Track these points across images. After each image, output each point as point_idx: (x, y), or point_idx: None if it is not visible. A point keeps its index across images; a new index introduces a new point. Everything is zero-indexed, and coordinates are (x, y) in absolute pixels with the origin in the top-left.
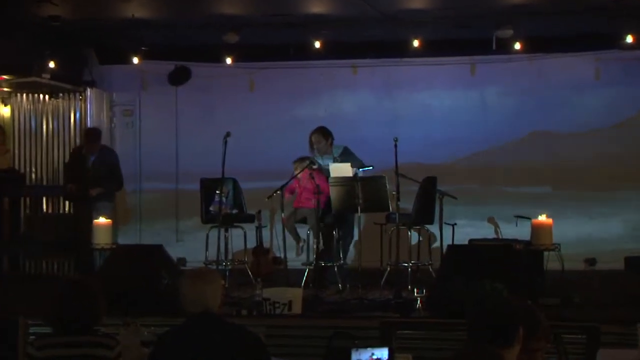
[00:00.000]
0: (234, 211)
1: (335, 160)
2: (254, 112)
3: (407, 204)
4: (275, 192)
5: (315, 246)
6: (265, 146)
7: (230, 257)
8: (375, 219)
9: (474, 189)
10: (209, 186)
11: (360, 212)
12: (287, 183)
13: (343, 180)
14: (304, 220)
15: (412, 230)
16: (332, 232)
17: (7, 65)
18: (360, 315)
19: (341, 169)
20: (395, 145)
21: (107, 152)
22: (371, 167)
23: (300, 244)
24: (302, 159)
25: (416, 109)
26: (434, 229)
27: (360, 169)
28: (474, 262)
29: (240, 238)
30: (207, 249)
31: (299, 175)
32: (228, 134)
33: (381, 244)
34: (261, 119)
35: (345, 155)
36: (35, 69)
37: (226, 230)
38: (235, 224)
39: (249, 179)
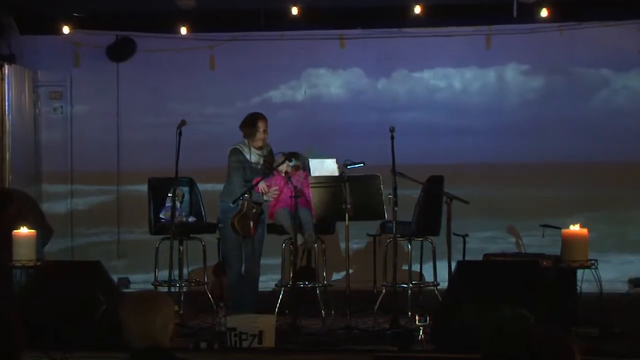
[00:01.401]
0: (191, 219)
1: (263, 159)
2: (216, 95)
3: (407, 211)
4: (243, 195)
5: (292, 262)
6: (229, 138)
7: (185, 276)
8: (368, 228)
9: (489, 192)
10: (158, 188)
11: (349, 220)
12: (256, 183)
13: (327, 181)
14: (278, 230)
15: (413, 243)
16: (314, 246)
17: None
18: (349, 349)
19: (324, 166)
20: (392, 137)
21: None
22: (362, 164)
23: (299, 240)
24: (295, 155)
25: (418, 91)
26: (440, 241)
27: (349, 166)
28: (490, 282)
29: (199, 253)
30: (156, 267)
31: (276, 175)
32: (183, 123)
33: (374, 259)
34: (224, 104)
35: (271, 156)
36: None
37: (180, 243)
38: (192, 235)
39: (209, 179)
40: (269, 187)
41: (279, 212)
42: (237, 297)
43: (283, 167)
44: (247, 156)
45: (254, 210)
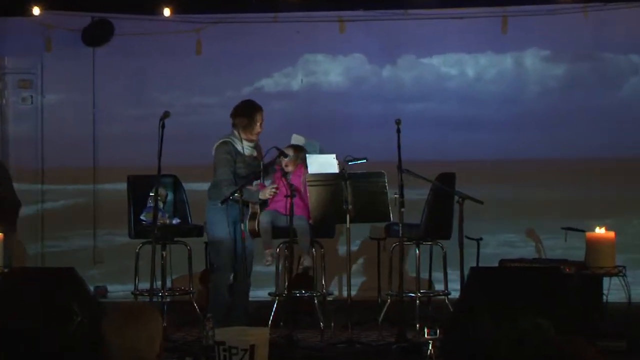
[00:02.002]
0: (175, 221)
1: (250, 153)
2: (203, 84)
3: (415, 212)
4: (233, 194)
5: (286, 269)
6: (217, 131)
7: (169, 285)
8: (371, 231)
9: (506, 191)
10: (139, 186)
11: (350, 222)
12: (249, 180)
13: (325, 178)
14: (272, 233)
15: (421, 247)
16: (312, 252)
17: None
18: None
19: (322, 162)
20: (398, 130)
21: None
22: (365, 160)
23: (270, 252)
24: (296, 148)
25: (426, 79)
26: (451, 245)
27: (350, 162)
28: (507, 291)
29: (184, 258)
30: (136, 274)
31: (273, 175)
32: (166, 114)
33: (378, 266)
34: (212, 93)
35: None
36: None
37: (164, 248)
38: (176, 239)
39: (195, 176)
40: (276, 189)
41: (263, 215)
42: (222, 306)
43: (286, 163)
44: (240, 149)
45: (257, 209)
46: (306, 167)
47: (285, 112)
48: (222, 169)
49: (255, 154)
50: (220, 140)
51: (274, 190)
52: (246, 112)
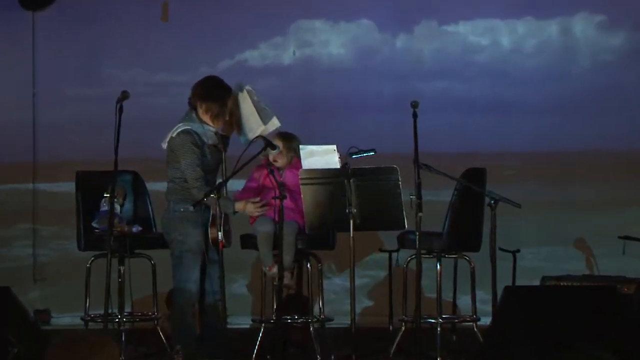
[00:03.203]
0: (135, 229)
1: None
2: (170, 57)
3: (436, 217)
4: (208, 195)
5: (274, 289)
6: None
7: (129, 308)
8: (381, 241)
9: (549, 192)
10: (90, 185)
11: (355, 230)
12: (229, 177)
13: (324, 175)
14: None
15: (444, 262)
16: (306, 266)
17: None
18: None
19: (320, 155)
20: (415, 115)
21: None
22: (373, 153)
23: (272, 271)
24: (286, 137)
25: (450, 51)
26: (481, 259)
27: (354, 156)
28: (551, 315)
29: (146, 275)
30: (87, 295)
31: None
32: (124, 95)
33: (390, 285)
34: (183, 69)
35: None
36: None
37: (121, 262)
38: (137, 252)
39: (161, 173)
40: (265, 205)
41: (261, 222)
42: (191, 336)
43: (271, 156)
44: (205, 138)
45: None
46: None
47: (274, 93)
48: (190, 165)
49: (217, 142)
50: (180, 129)
51: (259, 208)
52: (219, 96)
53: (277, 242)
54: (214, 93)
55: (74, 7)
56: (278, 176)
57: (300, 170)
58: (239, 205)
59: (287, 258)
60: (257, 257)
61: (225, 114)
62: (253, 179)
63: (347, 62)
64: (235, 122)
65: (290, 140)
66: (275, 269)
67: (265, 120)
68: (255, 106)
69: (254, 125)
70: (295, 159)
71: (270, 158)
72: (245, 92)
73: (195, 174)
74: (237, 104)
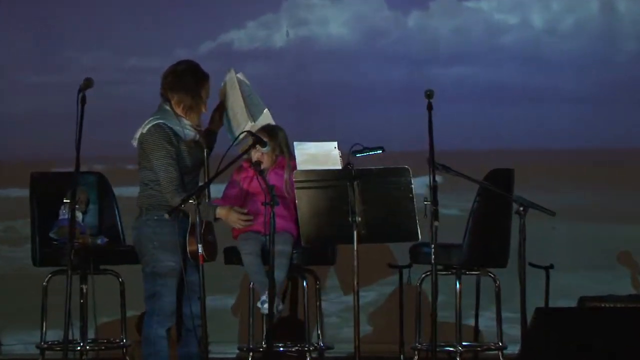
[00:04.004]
0: (101, 240)
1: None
2: (142, 39)
3: (454, 227)
4: (185, 201)
5: (265, 312)
6: None
7: (92, 334)
8: (391, 255)
9: (588, 197)
10: (47, 189)
11: (360, 242)
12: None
13: (323, 177)
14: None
15: (464, 279)
16: (302, 285)
17: None
18: None
19: (318, 153)
20: (430, 106)
21: None
22: (380, 151)
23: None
24: (270, 132)
25: (472, 31)
26: (508, 276)
27: (358, 154)
28: (591, 341)
29: (114, 295)
30: (44, 319)
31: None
32: (88, 83)
33: (401, 306)
34: (157, 53)
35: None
36: None
37: (84, 280)
38: (102, 267)
39: (130, 175)
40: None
41: (246, 242)
42: None
43: (255, 156)
44: (181, 134)
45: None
46: (290, 157)
47: (263, 81)
48: (163, 166)
49: (197, 137)
50: (151, 123)
51: (243, 221)
52: (191, 86)
53: (267, 258)
54: (186, 82)
55: None
56: (277, 180)
57: (295, 171)
58: (221, 212)
59: (279, 274)
60: (245, 273)
61: (200, 107)
62: (233, 183)
63: (349, 44)
64: (222, 115)
65: (275, 136)
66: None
67: (255, 115)
68: (244, 98)
69: (242, 120)
70: (280, 158)
71: (254, 158)
72: (234, 81)
73: (169, 176)
74: (224, 94)
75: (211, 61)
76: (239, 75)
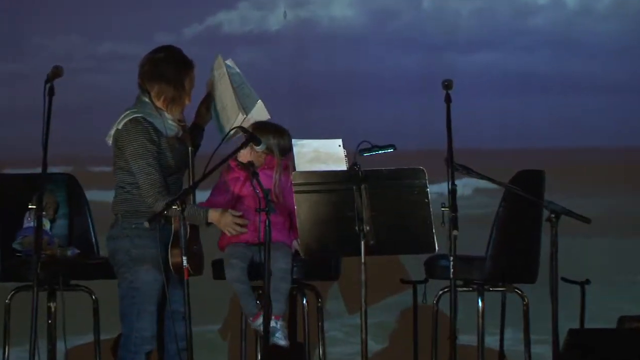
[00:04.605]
0: (71, 252)
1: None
2: (118, 22)
3: (476, 236)
4: (169, 207)
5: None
6: None
7: (62, 358)
8: (403, 269)
9: (629, 203)
10: (10, 193)
11: (368, 254)
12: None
13: (325, 180)
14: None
15: (488, 296)
16: (302, 303)
17: None
18: None
19: (319, 153)
20: (448, 98)
21: None
22: (391, 149)
23: (258, 322)
24: (260, 127)
25: (497, 13)
26: (538, 292)
27: (366, 154)
28: None
29: (87, 314)
30: (7, 341)
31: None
32: (56, 72)
33: (415, 327)
34: (134, 37)
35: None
36: None
37: (52, 297)
38: (73, 283)
39: (105, 177)
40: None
41: (233, 253)
42: None
43: (246, 156)
44: (162, 129)
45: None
46: (283, 156)
47: (257, 69)
48: (142, 166)
49: (181, 133)
50: (128, 118)
51: (238, 226)
52: (172, 75)
53: (259, 272)
54: (166, 71)
55: None
56: (265, 181)
57: (294, 173)
58: (213, 215)
59: (279, 296)
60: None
61: (183, 99)
62: (221, 188)
63: (355, 27)
64: (210, 108)
65: (266, 132)
66: (257, 321)
67: (247, 107)
68: (234, 89)
69: (232, 114)
70: (269, 158)
71: (244, 157)
72: (223, 69)
73: (150, 178)
74: (212, 85)
75: (197, 47)
76: (228, 62)
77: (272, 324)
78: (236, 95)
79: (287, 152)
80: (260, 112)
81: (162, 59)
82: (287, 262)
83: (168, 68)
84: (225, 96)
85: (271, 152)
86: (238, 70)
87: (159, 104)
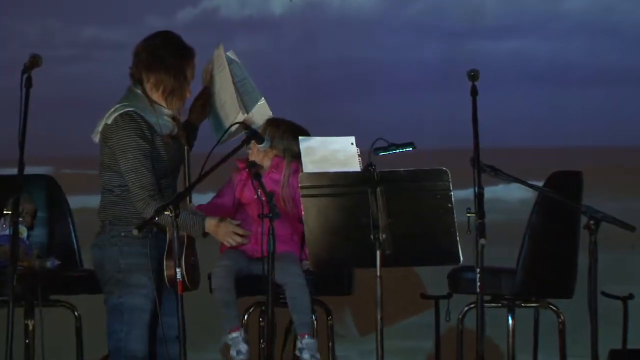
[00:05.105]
0: (51, 263)
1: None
2: (102, 4)
3: (505, 246)
4: (160, 212)
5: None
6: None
7: None
8: (424, 283)
9: None
10: None
11: (385, 265)
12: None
13: (336, 182)
14: (246, 289)
15: (519, 313)
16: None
17: None
18: None
19: (329, 152)
20: (474, 90)
21: None
22: (411, 148)
23: (239, 336)
24: (274, 123)
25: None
26: (575, 308)
27: (381, 153)
28: None
29: (68, 332)
30: None
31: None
32: (34, 61)
33: (437, 347)
34: (121, 22)
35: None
36: None
37: (29, 314)
38: (53, 298)
39: (90, 180)
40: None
41: (222, 256)
42: None
43: (257, 155)
44: (157, 126)
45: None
46: (292, 158)
47: (259, 57)
48: (135, 166)
49: (176, 131)
50: (118, 112)
51: (238, 236)
52: (175, 65)
53: (250, 286)
54: (166, 59)
55: None
56: (269, 184)
57: (301, 174)
58: (210, 224)
59: (302, 315)
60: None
61: (184, 91)
62: (225, 189)
63: (369, 11)
64: (206, 105)
65: (276, 128)
66: (236, 334)
67: (248, 105)
68: (235, 83)
69: (231, 111)
70: (276, 159)
71: (252, 157)
72: (223, 60)
73: (142, 180)
74: (211, 78)
75: (191, 33)
76: (229, 54)
77: (298, 344)
78: (237, 91)
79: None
80: (262, 112)
81: (160, 45)
82: (299, 272)
83: (168, 56)
84: (224, 92)
85: (281, 150)
86: (240, 63)
87: (155, 96)
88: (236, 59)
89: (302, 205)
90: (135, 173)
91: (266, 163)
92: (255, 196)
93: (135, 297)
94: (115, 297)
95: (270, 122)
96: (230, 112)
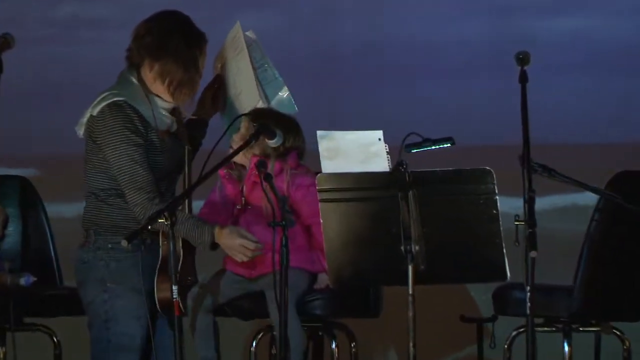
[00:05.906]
0: (25, 280)
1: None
2: None
3: (559, 260)
4: (154, 219)
5: None
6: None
7: None
8: (464, 303)
9: None
10: None
11: (418, 282)
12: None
13: (359, 184)
14: (243, 313)
15: (576, 338)
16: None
17: None
18: None
19: (352, 149)
20: (524, 77)
21: None
22: (449, 144)
23: None
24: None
25: None
26: None
27: (413, 149)
28: None
29: (45, 358)
30: None
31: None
32: (6, 42)
33: None
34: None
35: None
36: None
37: (1, 340)
38: (28, 321)
39: (72, 182)
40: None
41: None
42: None
43: (248, 154)
44: (151, 119)
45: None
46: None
47: (271, 35)
48: (128, 164)
49: (175, 127)
50: (106, 102)
51: (250, 250)
52: (186, 53)
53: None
54: (175, 44)
55: None
56: (280, 186)
57: (319, 176)
58: (220, 234)
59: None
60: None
61: (194, 83)
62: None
63: None
64: (217, 97)
65: (296, 131)
66: None
67: (269, 97)
68: (255, 69)
69: (248, 102)
70: (287, 157)
71: (246, 156)
72: (242, 41)
73: (138, 181)
74: (224, 64)
75: (193, 10)
76: (249, 34)
77: None
78: (257, 79)
79: (289, 152)
80: (285, 105)
81: (169, 29)
82: (305, 282)
83: (176, 41)
84: (241, 80)
85: (267, 150)
86: (260, 45)
87: (156, 87)
88: (256, 39)
89: (320, 211)
90: (129, 173)
91: (245, 161)
92: (266, 200)
93: (124, 322)
94: (101, 322)
95: (252, 115)
96: (247, 103)
